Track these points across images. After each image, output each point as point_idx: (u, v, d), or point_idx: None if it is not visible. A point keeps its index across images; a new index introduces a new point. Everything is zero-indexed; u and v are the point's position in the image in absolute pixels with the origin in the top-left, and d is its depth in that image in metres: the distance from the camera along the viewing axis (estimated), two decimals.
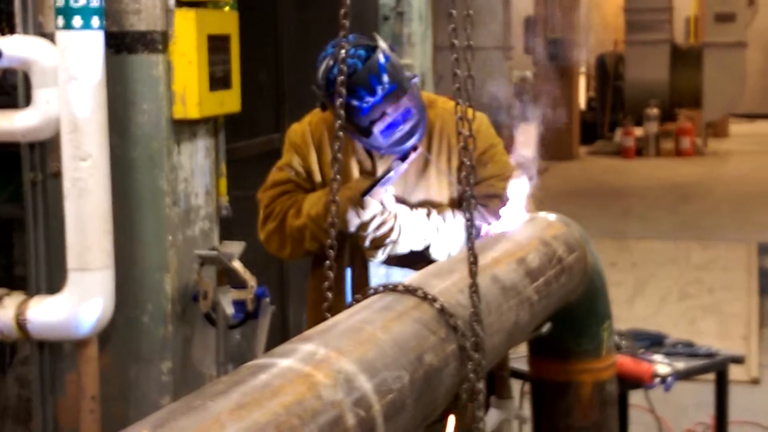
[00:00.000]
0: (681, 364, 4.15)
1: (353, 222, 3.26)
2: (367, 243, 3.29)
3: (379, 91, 3.17)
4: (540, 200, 3.30)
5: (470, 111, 2.39)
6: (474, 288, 2.23)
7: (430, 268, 2.56)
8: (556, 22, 16.38)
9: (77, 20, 3.69)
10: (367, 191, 3.26)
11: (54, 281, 3.99)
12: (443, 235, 3.31)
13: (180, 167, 4.06)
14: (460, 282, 2.30)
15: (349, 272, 3.32)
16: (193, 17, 3.94)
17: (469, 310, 2.24)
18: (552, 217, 3.15)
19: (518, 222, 3.06)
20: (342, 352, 1.83)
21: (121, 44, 3.95)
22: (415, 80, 3.31)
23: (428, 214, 3.33)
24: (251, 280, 4.08)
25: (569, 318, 3.28)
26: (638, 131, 17.20)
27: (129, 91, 3.97)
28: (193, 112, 3.97)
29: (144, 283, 4.04)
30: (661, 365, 4.06)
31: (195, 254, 4.06)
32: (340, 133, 2.47)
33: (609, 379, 3.40)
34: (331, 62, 3.19)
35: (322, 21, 5.80)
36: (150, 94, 3.95)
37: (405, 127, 3.28)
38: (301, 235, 3.32)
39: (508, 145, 3.88)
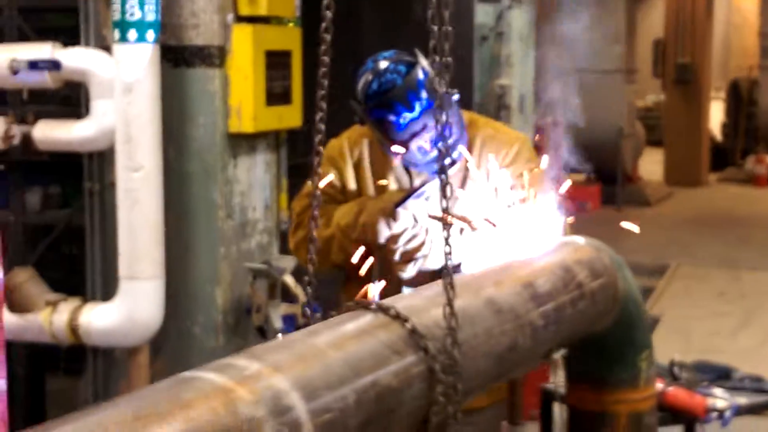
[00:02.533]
0: (743, 399, 3.96)
1: (383, 233, 3.20)
2: (397, 256, 3.23)
3: (417, 106, 3.13)
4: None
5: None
6: (450, 308, 2.16)
7: (425, 286, 2.50)
8: (686, 45, 15.99)
9: (132, 34, 3.75)
10: (400, 203, 3.21)
11: (111, 289, 4.05)
12: (477, 251, 3.24)
13: (236, 181, 4.08)
14: (444, 300, 2.23)
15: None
16: (250, 33, 3.96)
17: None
18: (582, 241, 3.04)
19: (547, 246, 2.96)
20: (278, 369, 1.79)
21: (180, 58, 4.00)
22: (455, 98, 3.25)
23: (462, 230, 3.26)
24: (302, 295, 4.07)
25: (601, 346, 3.16)
26: None
27: (186, 105, 4.01)
28: (248, 127, 3.99)
29: (196, 295, 4.07)
30: (720, 399, 3.89)
31: (245, 267, 4.06)
32: (321, 125, 2.40)
33: (648, 410, 3.25)
34: (370, 77, 3.16)
35: (409, 36, 5.77)
36: (206, 108, 3.99)
37: (444, 144, 3.21)
38: (329, 246, 3.28)
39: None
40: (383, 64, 3.18)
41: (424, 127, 3.15)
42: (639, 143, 14.25)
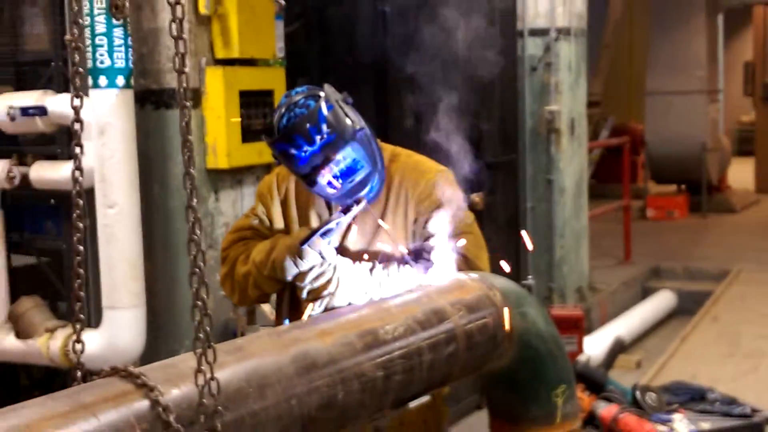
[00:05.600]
0: (706, 425, 3.28)
1: (290, 271, 2.74)
2: (304, 294, 2.74)
3: (317, 140, 2.64)
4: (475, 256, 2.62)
5: None
6: (208, 376, 1.65)
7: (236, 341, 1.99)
8: None
9: (103, 80, 3.42)
10: (306, 240, 2.70)
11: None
12: (386, 289, 2.69)
13: (218, 213, 3.68)
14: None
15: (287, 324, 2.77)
16: (221, 75, 3.54)
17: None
18: (472, 277, 2.47)
19: (427, 286, 2.41)
20: None
21: (160, 101, 3.64)
22: (363, 132, 2.70)
23: (372, 268, 2.72)
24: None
25: (511, 383, 2.61)
26: None
27: (166, 144, 3.65)
28: (222, 163, 3.60)
29: (181, 322, 3.67)
30: (680, 424, 3.22)
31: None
32: (78, 174, 1.94)
33: None
34: (283, 110, 2.67)
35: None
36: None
37: (355, 179, 2.71)
38: (246, 282, 2.84)
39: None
40: (295, 99, 2.69)
41: (326, 161, 2.64)
42: (725, 156, 13.24)
